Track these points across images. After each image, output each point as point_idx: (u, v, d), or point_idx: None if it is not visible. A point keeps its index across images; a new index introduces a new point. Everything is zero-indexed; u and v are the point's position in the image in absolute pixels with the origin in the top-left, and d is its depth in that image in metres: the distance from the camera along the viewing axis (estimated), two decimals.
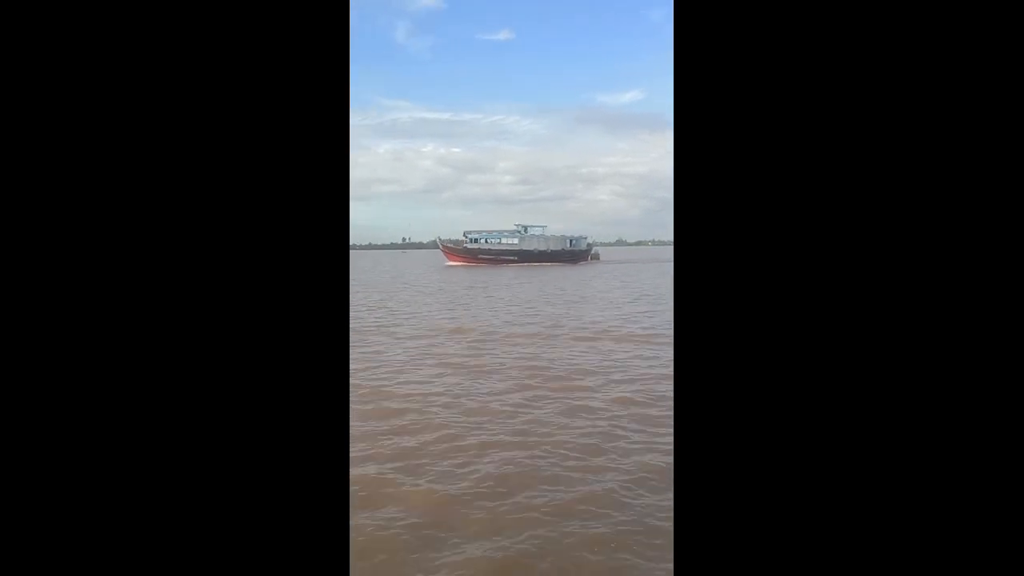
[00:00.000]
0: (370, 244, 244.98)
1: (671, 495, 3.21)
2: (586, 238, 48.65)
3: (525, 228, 45.93)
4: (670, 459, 3.86)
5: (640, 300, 15.80)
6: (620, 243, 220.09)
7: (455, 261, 44.90)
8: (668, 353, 8.00)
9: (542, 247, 45.06)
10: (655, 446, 4.40)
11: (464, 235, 46.25)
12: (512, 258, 43.96)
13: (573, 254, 46.04)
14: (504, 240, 45.29)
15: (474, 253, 44.73)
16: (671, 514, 2.13)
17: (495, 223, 46.64)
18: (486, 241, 45.37)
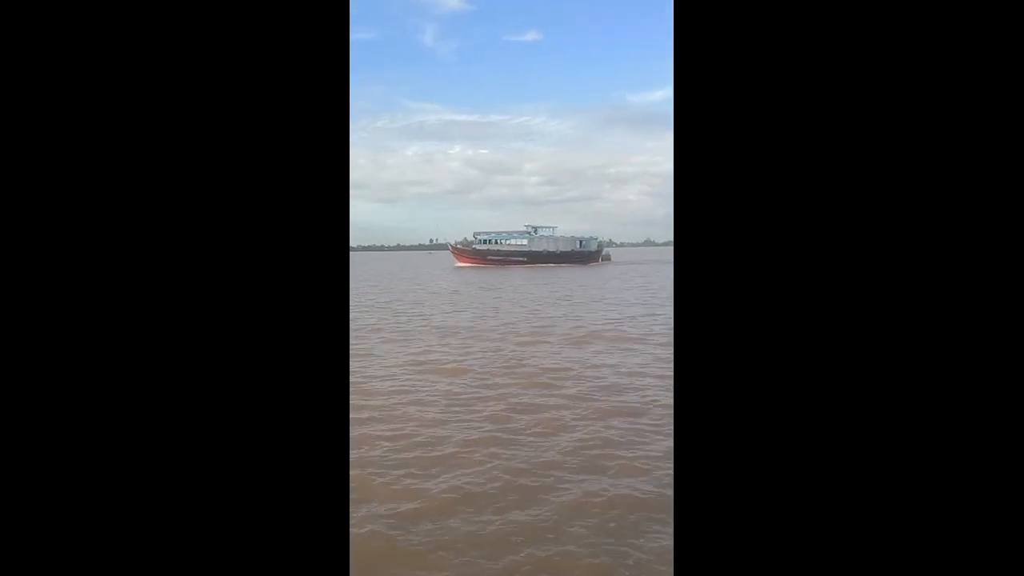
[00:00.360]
0: (399, 245, 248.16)
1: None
2: (596, 238, 48.42)
3: (535, 229, 45.94)
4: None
5: (650, 303, 15.63)
6: (648, 243, 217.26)
7: (464, 262, 45.18)
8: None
9: (551, 248, 45.00)
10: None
11: (474, 236, 46.54)
12: (521, 259, 43.99)
13: (583, 255, 45.83)
14: (513, 241, 45.40)
15: (483, 254, 44.93)
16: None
17: (521, 224, 46.65)
18: (495, 242, 45.56)
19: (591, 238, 47.71)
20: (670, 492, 3.54)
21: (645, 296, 17.43)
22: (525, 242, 45.21)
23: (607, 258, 49.70)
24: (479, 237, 46.18)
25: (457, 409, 5.61)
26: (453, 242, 47.84)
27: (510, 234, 45.92)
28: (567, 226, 46.51)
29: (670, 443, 4.37)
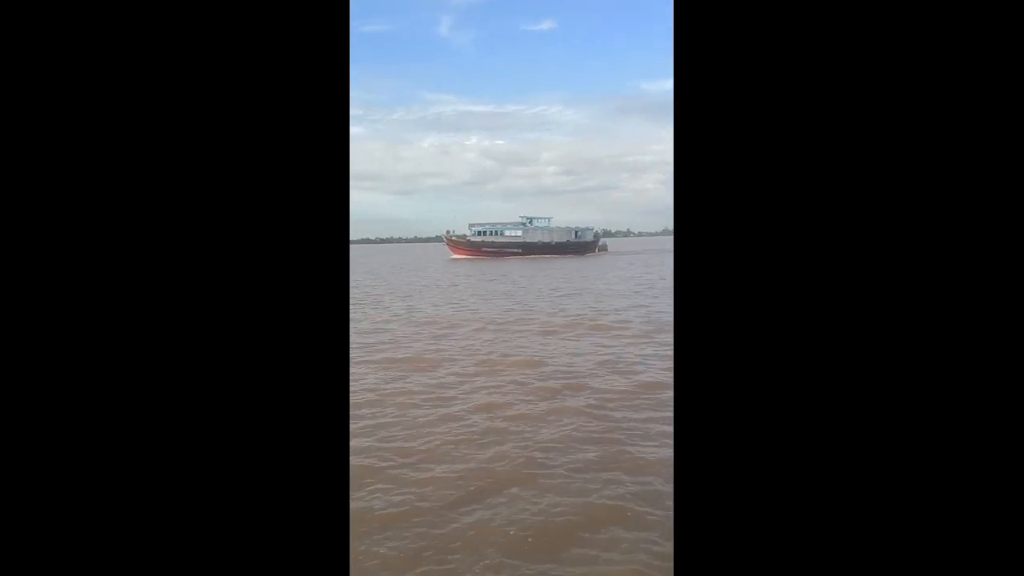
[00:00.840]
0: (415, 237, 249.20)
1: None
2: (592, 229, 48.06)
3: (530, 220, 45.80)
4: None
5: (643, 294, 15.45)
6: (666, 232, 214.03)
7: (459, 254, 45.28)
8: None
9: (547, 239, 44.82)
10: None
11: (469, 227, 46.60)
12: (516, 251, 43.92)
13: (579, 245, 45.57)
14: (508, 233, 45.32)
15: (478, 246, 44.92)
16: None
17: (540, 215, 46.50)
18: (490, 234, 45.57)
19: (587, 228, 47.40)
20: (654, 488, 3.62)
21: (638, 287, 17.20)
22: (519, 233, 45.13)
23: (603, 248, 49.36)
24: (474, 229, 46.18)
25: (436, 402, 5.52)
26: (448, 233, 47.95)
27: (505, 225, 45.87)
28: (586, 216, 46.27)
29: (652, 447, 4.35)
